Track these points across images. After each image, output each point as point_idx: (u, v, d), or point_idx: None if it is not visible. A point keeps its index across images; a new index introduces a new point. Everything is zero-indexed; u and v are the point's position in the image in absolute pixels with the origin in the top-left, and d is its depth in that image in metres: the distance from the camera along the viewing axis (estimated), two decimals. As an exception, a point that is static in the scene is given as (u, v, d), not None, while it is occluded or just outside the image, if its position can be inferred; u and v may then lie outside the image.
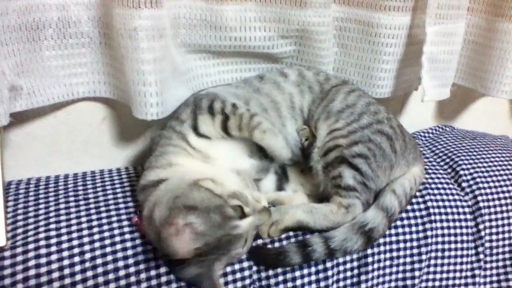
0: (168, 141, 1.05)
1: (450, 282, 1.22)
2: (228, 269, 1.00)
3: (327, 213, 1.07)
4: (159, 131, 1.10)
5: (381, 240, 1.13)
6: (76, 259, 0.93)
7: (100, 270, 0.93)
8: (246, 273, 1.03)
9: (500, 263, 1.28)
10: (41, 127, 1.16)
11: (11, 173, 1.11)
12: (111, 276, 0.93)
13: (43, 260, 0.91)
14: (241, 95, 1.15)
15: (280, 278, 1.04)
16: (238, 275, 1.01)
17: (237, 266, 1.01)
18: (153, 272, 0.96)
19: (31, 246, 0.92)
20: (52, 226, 0.97)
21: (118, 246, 0.97)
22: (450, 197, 1.27)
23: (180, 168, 1.01)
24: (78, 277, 0.91)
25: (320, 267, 1.07)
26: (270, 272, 1.04)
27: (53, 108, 1.15)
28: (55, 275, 0.90)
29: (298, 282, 1.05)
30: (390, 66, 1.30)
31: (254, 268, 1.03)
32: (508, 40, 1.35)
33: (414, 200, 1.22)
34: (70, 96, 1.11)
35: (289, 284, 1.04)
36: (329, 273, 1.07)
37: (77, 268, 0.92)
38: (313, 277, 1.06)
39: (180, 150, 1.03)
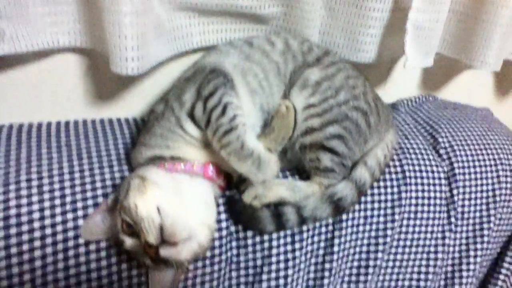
0: (168, 124, 1.03)
1: (421, 242, 1.27)
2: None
3: (309, 193, 1.09)
4: (162, 107, 1.07)
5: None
6: (57, 202, 0.95)
7: (80, 213, 0.95)
8: (223, 224, 1.06)
9: (470, 227, 1.33)
10: (25, 74, 1.16)
11: (-8, 118, 1.12)
12: (91, 219, 0.96)
13: (23, 201, 0.93)
14: (238, 66, 1.13)
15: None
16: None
17: (214, 218, 1.04)
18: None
19: (12, 187, 0.94)
20: (34, 169, 0.98)
21: (99, 192, 0.99)
22: (427, 162, 1.30)
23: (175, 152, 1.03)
24: (58, 219, 0.94)
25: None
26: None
27: (37, 56, 1.14)
28: (36, 216, 0.92)
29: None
30: (376, 31, 1.30)
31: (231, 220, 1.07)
32: (496, 12, 1.36)
33: (391, 163, 1.25)
34: (55, 44, 1.10)
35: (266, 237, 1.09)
36: (304, 228, 1.12)
37: (58, 210, 0.94)
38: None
39: (177, 137, 1.03)
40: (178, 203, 0.92)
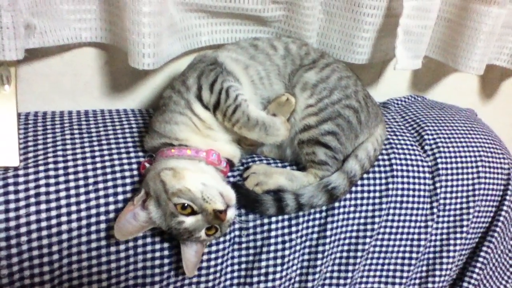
0: (178, 107, 1.13)
1: (406, 230, 1.37)
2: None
3: (305, 183, 1.21)
4: (169, 92, 1.17)
5: (348, 189, 1.26)
6: (81, 182, 1.05)
7: (101, 193, 1.05)
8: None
9: (451, 218, 1.42)
10: (48, 66, 1.24)
11: (19, 105, 1.20)
12: (110, 199, 1.06)
13: (52, 180, 1.02)
14: (241, 61, 1.24)
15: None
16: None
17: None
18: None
19: (41, 168, 1.03)
20: (59, 153, 1.08)
21: (118, 175, 1.09)
22: (413, 157, 1.39)
23: (183, 142, 1.12)
24: (82, 198, 1.04)
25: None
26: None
27: (60, 50, 1.23)
28: (62, 194, 1.02)
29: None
30: (370, 35, 1.39)
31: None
32: (480, 20, 1.45)
33: (380, 157, 1.34)
34: (78, 39, 1.19)
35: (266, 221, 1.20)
36: (300, 213, 1.22)
37: (82, 190, 1.04)
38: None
39: (186, 119, 1.12)
40: (210, 177, 1.05)
